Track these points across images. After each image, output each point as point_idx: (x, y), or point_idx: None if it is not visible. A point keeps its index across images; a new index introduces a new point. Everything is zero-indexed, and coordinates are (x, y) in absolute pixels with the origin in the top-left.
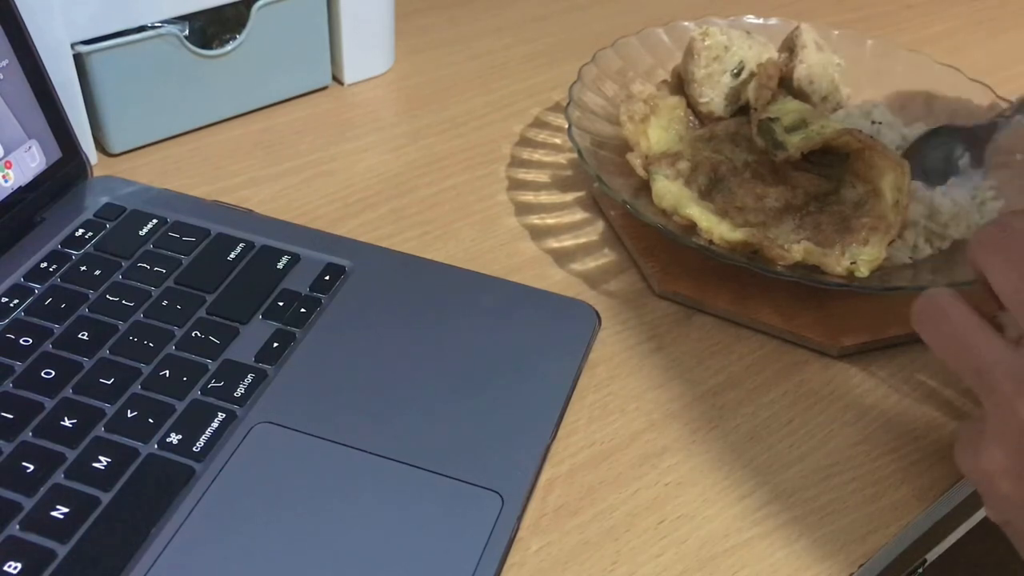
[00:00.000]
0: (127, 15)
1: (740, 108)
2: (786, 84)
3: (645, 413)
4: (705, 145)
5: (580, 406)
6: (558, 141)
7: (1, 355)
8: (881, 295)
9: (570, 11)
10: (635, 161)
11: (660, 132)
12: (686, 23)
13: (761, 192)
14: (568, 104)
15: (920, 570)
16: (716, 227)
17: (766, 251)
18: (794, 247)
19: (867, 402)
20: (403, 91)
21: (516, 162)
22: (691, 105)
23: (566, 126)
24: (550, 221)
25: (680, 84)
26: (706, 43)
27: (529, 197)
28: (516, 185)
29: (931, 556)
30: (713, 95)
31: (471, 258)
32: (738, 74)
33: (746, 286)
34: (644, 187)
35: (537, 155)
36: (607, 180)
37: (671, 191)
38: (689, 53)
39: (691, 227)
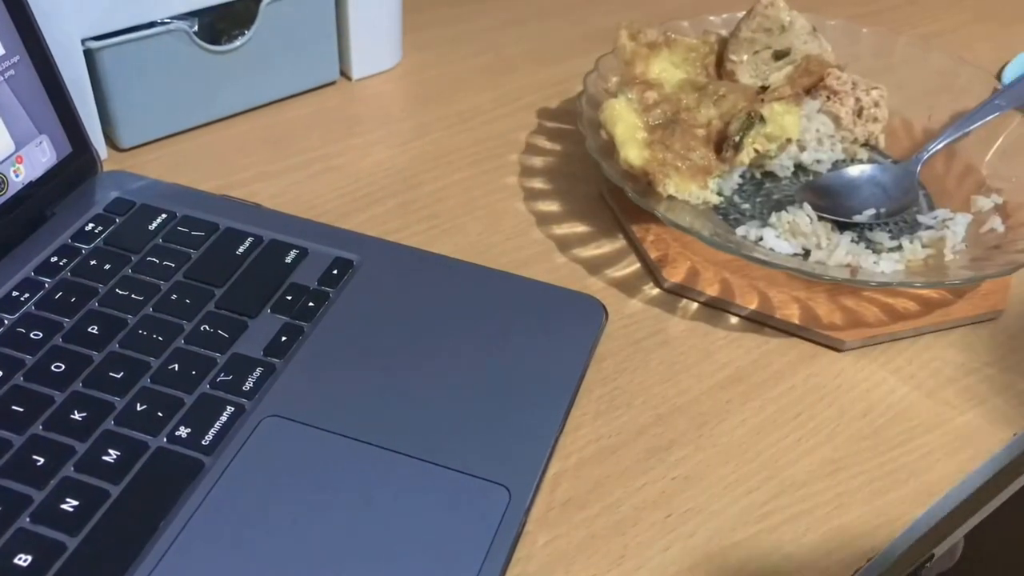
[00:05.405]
0: (137, 11)
1: (760, 87)
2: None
3: (652, 407)
4: (690, 91)
5: (587, 400)
6: (565, 136)
7: (11, 349)
8: (890, 290)
9: (579, 6)
10: (614, 79)
11: (669, 67)
12: (712, 17)
13: (693, 146)
14: (581, 93)
15: (928, 564)
16: (625, 146)
17: (654, 180)
18: (667, 181)
19: (875, 396)
20: (411, 86)
21: (523, 156)
22: (719, 60)
23: (574, 121)
24: (557, 215)
25: (724, 47)
26: (767, 11)
27: (536, 191)
28: (523, 179)
29: (938, 551)
30: (743, 59)
31: (478, 252)
32: (781, 57)
33: (754, 280)
34: None
35: (544, 149)
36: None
37: (616, 111)
38: (749, 12)
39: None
